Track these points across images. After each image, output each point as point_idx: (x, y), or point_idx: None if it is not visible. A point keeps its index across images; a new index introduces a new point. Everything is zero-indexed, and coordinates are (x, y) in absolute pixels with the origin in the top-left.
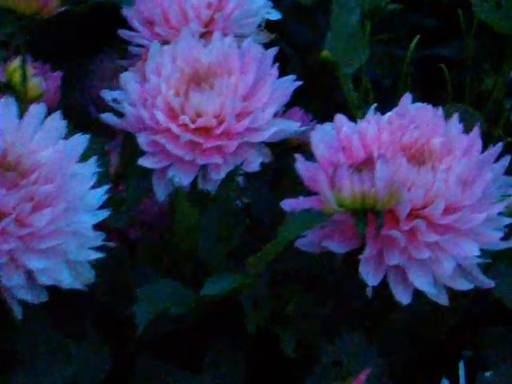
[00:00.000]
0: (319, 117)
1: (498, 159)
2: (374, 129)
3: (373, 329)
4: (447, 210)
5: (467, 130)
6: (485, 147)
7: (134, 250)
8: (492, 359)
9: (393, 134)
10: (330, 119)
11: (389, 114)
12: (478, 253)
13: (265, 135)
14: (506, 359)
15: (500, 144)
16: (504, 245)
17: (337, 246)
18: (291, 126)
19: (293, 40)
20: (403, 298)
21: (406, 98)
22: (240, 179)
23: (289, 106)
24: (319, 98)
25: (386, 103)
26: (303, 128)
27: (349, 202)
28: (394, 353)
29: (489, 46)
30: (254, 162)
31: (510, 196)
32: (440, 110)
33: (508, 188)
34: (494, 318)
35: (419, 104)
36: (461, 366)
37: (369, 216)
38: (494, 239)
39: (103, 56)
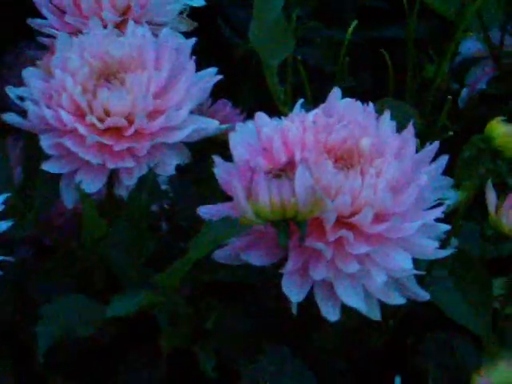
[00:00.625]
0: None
1: (434, 158)
2: (297, 128)
3: (300, 342)
4: (377, 219)
5: (402, 127)
6: (424, 142)
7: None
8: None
9: (318, 134)
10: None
11: (314, 111)
12: (410, 265)
13: (181, 135)
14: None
15: (436, 143)
16: (441, 254)
17: (257, 259)
18: (211, 124)
19: (236, 27)
20: (331, 314)
21: (334, 93)
22: (162, 181)
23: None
24: (251, 90)
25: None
26: (225, 126)
27: (267, 212)
28: (323, 366)
29: (433, 29)
30: (169, 165)
31: (447, 199)
32: (371, 107)
33: (445, 190)
34: (434, 323)
35: (348, 100)
36: (397, 381)
37: (292, 225)
38: (429, 249)
39: (22, 48)
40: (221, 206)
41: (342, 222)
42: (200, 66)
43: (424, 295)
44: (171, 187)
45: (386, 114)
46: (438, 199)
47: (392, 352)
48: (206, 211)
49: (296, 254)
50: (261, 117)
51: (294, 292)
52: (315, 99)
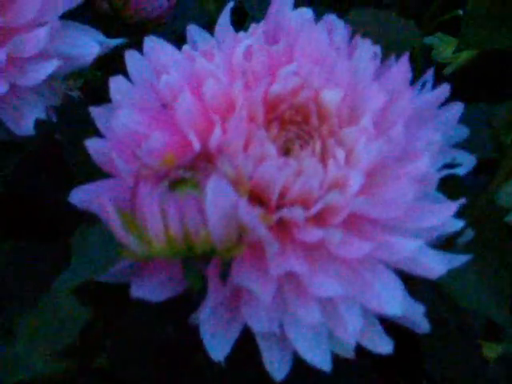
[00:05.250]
0: None
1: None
2: (218, 74)
3: None
4: (352, 231)
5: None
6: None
7: None
8: None
9: (252, 85)
10: None
11: (247, 41)
12: (400, 308)
13: (44, 69)
14: None
15: (445, 86)
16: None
17: (152, 292)
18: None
19: None
20: (278, 372)
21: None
22: None
23: None
24: None
25: None
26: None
27: (161, 247)
28: None
29: None
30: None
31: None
32: (340, 27)
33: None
34: None
35: (304, 14)
36: None
37: None
38: (435, 270)
39: None
40: (101, 183)
41: (288, 240)
42: None
43: (425, 327)
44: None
45: (364, 42)
46: (446, 166)
47: None
48: (80, 196)
49: (217, 289)
50: (151, 41)
51: (216, 347)
52: None
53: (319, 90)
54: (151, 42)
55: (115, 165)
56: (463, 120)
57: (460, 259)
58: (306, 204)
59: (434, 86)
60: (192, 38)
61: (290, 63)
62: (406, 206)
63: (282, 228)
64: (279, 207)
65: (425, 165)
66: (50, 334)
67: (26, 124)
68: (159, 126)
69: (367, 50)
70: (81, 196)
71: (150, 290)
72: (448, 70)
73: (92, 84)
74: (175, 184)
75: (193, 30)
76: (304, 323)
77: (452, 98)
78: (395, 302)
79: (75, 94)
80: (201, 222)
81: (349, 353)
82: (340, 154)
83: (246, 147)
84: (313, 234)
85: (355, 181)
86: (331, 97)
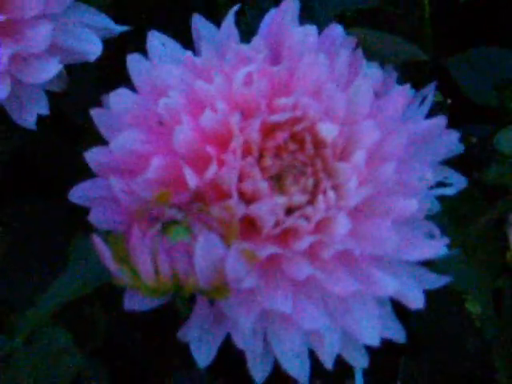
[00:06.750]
0: None
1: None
2: (217, 99)
3: None
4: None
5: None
6: None
7: None
8: None
9: (249, 114)
10: None
11: (248, 68)
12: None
13: (48, 68)
14: None
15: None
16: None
17: (141, 303)
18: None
19: None
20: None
21: (284, 9)
22: None
23: None
24: None
25: None
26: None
27: (151, 285)
28: None
29: None
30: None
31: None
32: (345, 48)
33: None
34: None
35: (308, 31)
36: None
37: None
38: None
39: None
40: (98, 181)
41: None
42: None
43: (402, 337)
44: None
45: (364, 70)
46: (438, 183)
47: None
48: (78, 193)
49: (204, 307)
50: (154, 37)
51: (202, 353)
52: None
53: (316, 122)
54: (154, 39)
55: (112, 185)
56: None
57: (442, 280)
58: (295, 238)
59: None
60: (197, 28)
61: (289, 88)
62: (391, 244)
63: (271, 262)
64: (268, 238)
65: (413, 207)
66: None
67: (28, 118)
68: (157, 147)
69: (367, 81)
70: (80, 193)
71: (140, 302)
72: None
73: None
74: (167, 226)
75: (198, 20)
76: (286, 345)
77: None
78: (374, 332)
79: None
80: (190, 269)
81: (328, 365)
82: (330, 194)
83: (240, 180)
84: (302, 270)
85: (343, 224)
86: (327, 130)
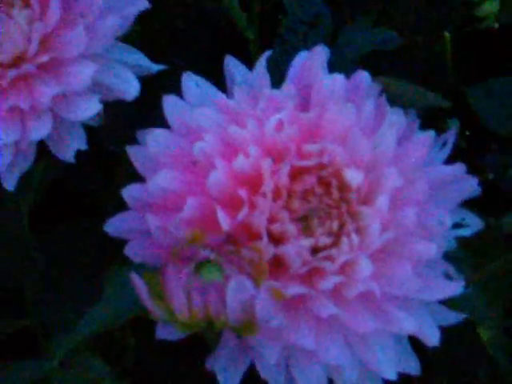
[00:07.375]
0: None
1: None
2: (249, 144)
3: None
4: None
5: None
6: None
7: None
8: None
9: (280, 158)
10: None
11: (278, 115)
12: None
13: (89, 106)
14: None
15: (462, 165)
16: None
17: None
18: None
19: None
20: None
21: (315, 57)
22: None
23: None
24: None
25: None
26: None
27: (183, 321)
28: None
29: None
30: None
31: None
32: (370, 99)
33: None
34: None
35: (334, 79)
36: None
37: None
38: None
39: None
40: (134, 214)
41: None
42: None
43: (418, 369)
44: None
45: (388, 117)
46: (455, 224)
47: None
48: (114, 225)
49: (231, 339)
50: (189, 78)
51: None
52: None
53: (341, 168)
54: (189, 80)
55: (148, 221)
56: None
57: (459, 317)
58: (320, 278)
59: None
60: (229, 70)
61: (317, 134)
62: (411, 286)
63: (296, 299)
64: (295, 277)
65: (433, 250)
66: None
67: (67, 153)
68: (192, 187)
69: (391, 129)
70: (116, 225)
71: (171, 332)
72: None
73: None
74: (200, 265)
75: (231, 62)
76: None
77: None
78: (391, 367)
79: None
80: (221, 308)
81: None
82: (354, 237)
83: (269, 222)
84: (327, 309)
85: (366, 267)
86: (353, 177)
